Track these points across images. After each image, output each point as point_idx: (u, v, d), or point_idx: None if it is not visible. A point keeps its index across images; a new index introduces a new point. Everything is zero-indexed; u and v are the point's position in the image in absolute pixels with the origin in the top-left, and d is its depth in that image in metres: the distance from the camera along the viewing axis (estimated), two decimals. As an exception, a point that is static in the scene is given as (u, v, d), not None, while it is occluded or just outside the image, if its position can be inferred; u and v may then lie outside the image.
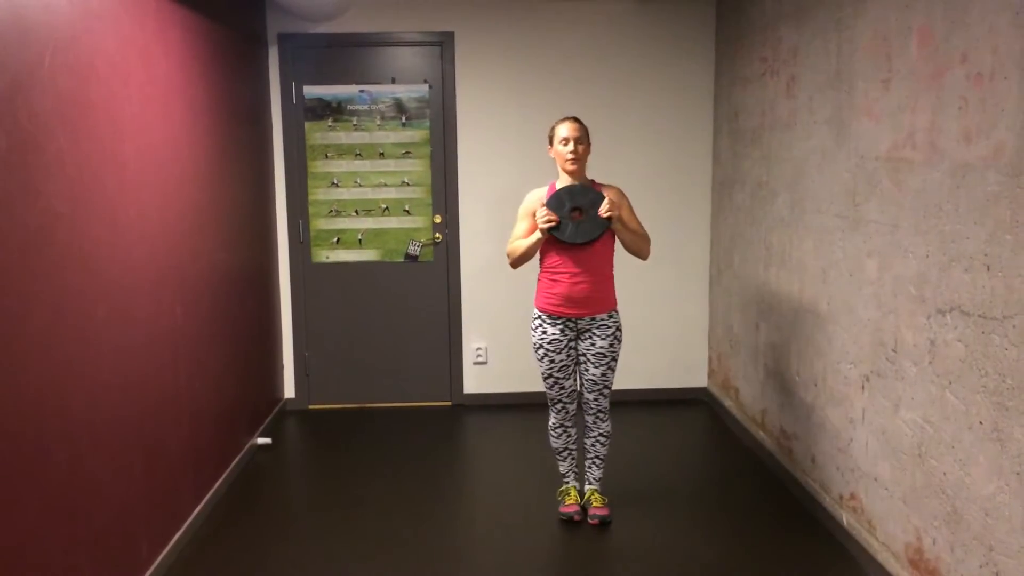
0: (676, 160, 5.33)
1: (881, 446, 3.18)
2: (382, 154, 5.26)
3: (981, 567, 2.56)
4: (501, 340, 5.41)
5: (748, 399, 4.71)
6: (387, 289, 5.38)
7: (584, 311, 3.61)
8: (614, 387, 5.40)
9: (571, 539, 3.58)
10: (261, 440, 4.70)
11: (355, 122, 5.24)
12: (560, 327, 3.63)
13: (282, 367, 5.36)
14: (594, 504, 3.73)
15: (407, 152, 5.27)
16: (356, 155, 5.27)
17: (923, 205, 2.86)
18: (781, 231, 4.16)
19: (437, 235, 5.35)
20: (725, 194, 5.07)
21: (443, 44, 5.17)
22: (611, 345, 3.65)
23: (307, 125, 5.23)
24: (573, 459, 3.85)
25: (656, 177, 5.33)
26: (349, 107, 5.23)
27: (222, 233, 4.15)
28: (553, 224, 3.48)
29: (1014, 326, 2.39)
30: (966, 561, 2.63)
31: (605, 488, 3.97)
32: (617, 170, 5.29)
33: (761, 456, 4.45)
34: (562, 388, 3.70)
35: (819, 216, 3.71)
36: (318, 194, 5.28)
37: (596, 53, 5.21)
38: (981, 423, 2.55)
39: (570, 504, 3.78)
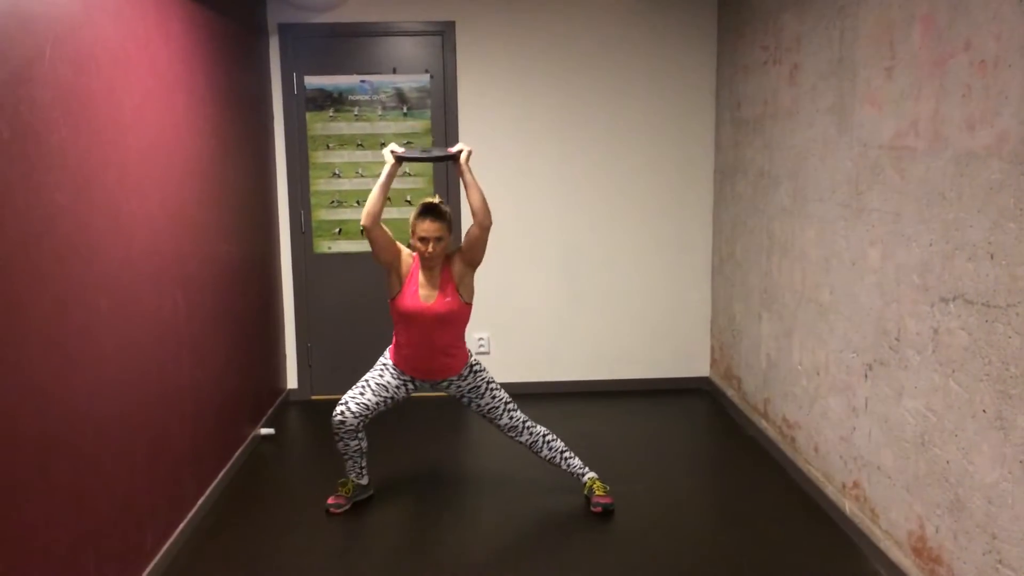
0: (678, 149, 5.32)
1: (884, 435, 3.18)
2: (384, 144, 5.25)
3: (984, 555, 2.56)
4: (503, 330, 5.41)
5: (750, 388, 4.71)
6: (389, 280, 5.37)
7: (432, 377, 3.63)
8: (616, 376, 5.48)
9: (575, 527, 3.59)
10: (264, 430, 4.71)
11: (356, 112, 5.23)
12: (404, 380, 3.64)
13: (284, 358, 5.37)
14: (596, 492, 3.73)
15: (408, 142, 5.26)
16: (358, 145, 5.26)
17: (926, 193, 2.85)
18: (783, 220, 4.15)
19: (439, 225, 5.33)
20: (727, 183, 5.06)
21: (444, 33, 5.16)
22: (475, 382, 3.65)
23: (308, 115, 5.22)
24: (355, 460, 3.76)
25: (658, 166, 5.32)
26: (350, 97, 5.21)
27: (224, 224, 4.15)
28: (399, 152, 3.42)
29: (1017, 314, 2.38)
30: (969, 549, 2.64)
31: (606, 476, 3.98)
32: (619, 159, 5.29)
33: (764, 445, 4.46)
34: (362, 399, 3.61)
35: (821, 205, 3.70)
36: (320, 185, 5.28)
37: (597, 42, 5.19)
38: (984, 411, 2.55)
39: (341, 495, 3.79)
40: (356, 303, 5.39)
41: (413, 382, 3.66)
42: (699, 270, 5.45)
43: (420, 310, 3.49)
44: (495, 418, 3.71)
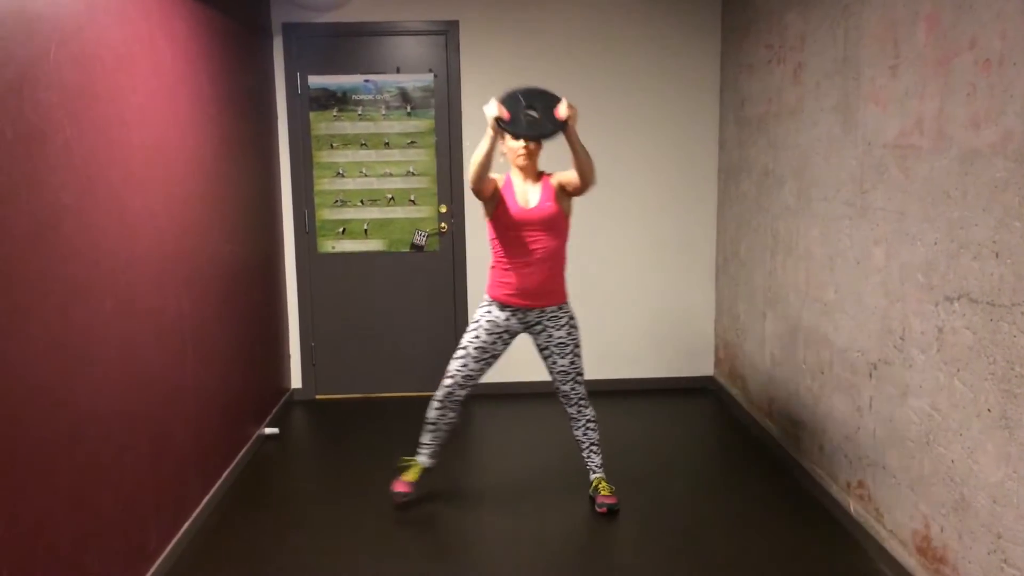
0: (682, 148, 5.31)
1: (889, 434, 3.18)
2: (387, 144, 5.26)
3: (989, 554, 2.56)
4: (507, 330, 5.41)
5: (755, 388, 4.71)
6: (393, 279, 5.38)
7: (535, 303, 3.62)
8: (620, 376, 5.48)
9: (579, 526, 3.59)
10: (268, 430, 4.71)
11: (360, 112, 5.23)
12: (508, 314, 3.64)
13: (288, 357, 5.38)
14: (602, 492, 3.73)
15: (412, 142, 5.26)
16: (361, 145, 5.26)
17: (931, 192, 2.84)
18: (788, 219, 4.14)
19: (443, 225, 5.34)
20: (731, 182, 5.05)
21: (448, 33, 5.16)
22: (569, 333, 3.67)
23: (312, 115, 5.22)
24: (438, 438, 3.80)
25: (662, 165, 5.32)
26: (354, 97, 5.22)
27: (228, 224, 4.15)
28: (505, 120, 3.38)
29: (1022, 313, 2.38)
30: (974, 548, 2.63)
31: (611, 476, 3.98)
32: (623, 158, 5.29)
33: (768, 445, 4.45)
34: (466, 369, 3.66)
35: (826, 204, 3.69)
36: (323, 184, 5.28)
37: (601, 41, 5.19)
38: (989, 410, 2.54)
39: (405, 479, 3.78)
40: (360, 303, 5.39)
41: (508, 331, 3.66)
42: (703, 269, 5.44)
43: (523, 215, 3.54)
44: (561, 382, 3.72)
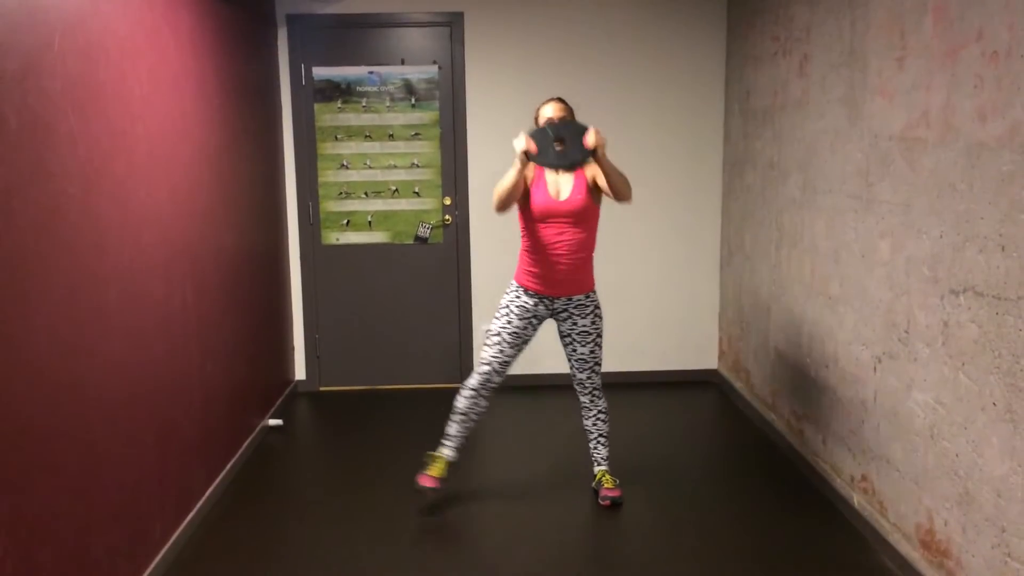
0: (687, 140, 5.30)
1: (893, 427, 3.17)
2: (391, 136, 5.25)
3: (993, 548, 2.55)
4: (511, 322, 5.41)
5: (759, 381, 4.70)
6: (397, 271, 5.38)
7: (561, 291, 3.62)
8: (624, 369, 5.47)
9: (584, 519, 3.59)
10: (272, 421, 4.72)
11: (364, 103, 5.22)
12: (536, 300, 3.64)
13: (292, 349, 5.38)
14: (605, 485, 3.73)
15: (417, 134, 5.25)
16: (366, 137, 5.26)
17: (937, 185, 2.83)
18: (793, 212, 4.13)
19: (447, 217, 5.34)
20: (736, 174, 5.04)
21: (452, 25, 5.15)
22: (593, 323, 3.67)
23: (316, 106, 5.22)
24: (466, 429, 3.78)
25: (667, 158, 5.31)
26: (358, 88, 5.21)
27: (232, 215, 4.15)
28: (533, 153, 3.41)
29: (1029, 307, 2.37)
30: (978, 542, 2.63)
31: (615, 469, 3.99)
32: (628, 150, 5.27)
33: (772, 438, 4.45)
34: (503, 355, 3.66)
35: (831, 196, 3.68)
36: (328, 176, 5.28)
37: (606, 33, 5.17)
38: (994, 404, 2.53)
39: (432, 475, 3.74)
40: (364, 294, 5.39)
41: (536, 316, 3.66)
42: (708, 262, 5.43)
43: (554, 207, 3.52)
44: (579, 369, 3.72)
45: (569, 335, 3.69)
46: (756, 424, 4.68)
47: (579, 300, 3.65)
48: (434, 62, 5.20)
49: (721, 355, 5.46)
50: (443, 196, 5.32)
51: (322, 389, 5.48)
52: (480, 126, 5.22)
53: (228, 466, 4.01)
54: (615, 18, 5.16)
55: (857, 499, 3.48)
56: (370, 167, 5.28)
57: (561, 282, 3.60)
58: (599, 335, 3.69)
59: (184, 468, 3.45)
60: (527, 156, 3.42)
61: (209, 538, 3.46)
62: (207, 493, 3.71)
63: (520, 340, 3.67)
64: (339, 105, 5.22)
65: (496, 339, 3.66)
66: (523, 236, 3.63)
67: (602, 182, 3.52)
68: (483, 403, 3.74)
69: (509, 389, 5.35)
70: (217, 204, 3.93)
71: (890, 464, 3.19)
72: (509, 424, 4.80)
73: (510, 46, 5.16)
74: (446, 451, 3.79)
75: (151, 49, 3.20)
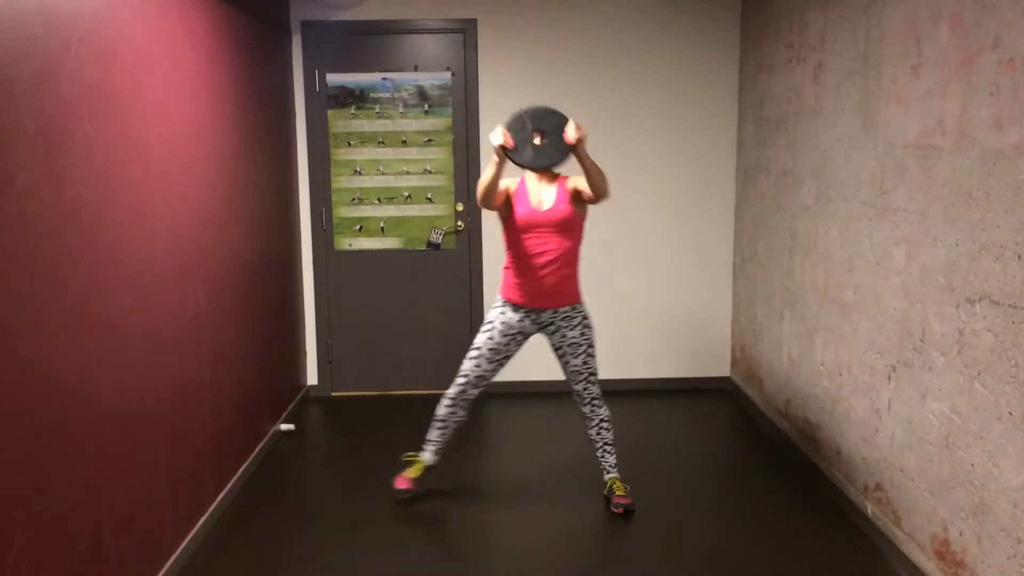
0: (700, 148, 5.29)
1: (907, 437, 3.15)
2: (404, 142, 5.26)
3: (1009, 559, 2.53)
4: (523, 328, 5.40)
5: (772, 389, 4.68)
6: (409, 277, 5.39)
7: (547, 303, 3.62)
8: (637, 376, 5.46)
9: (595, 527, 3.58)
10: (284, 426, 4.73)
11: (378, 110, 5.24)
12: (522, 315, 3.64)
13: (304, 354, 5.39)
14: (617, 493, 3.72)
15: (429, 140, 5.26)
16: (379, 143, 5.27)
17: (952, 193, 2.81)
18: (806, 219, 4.11)
19: (459, 223, 5.34)
20: (749, 182, 5.03)
21: (466, 31, 5.16)
22: (582, 334, 3.67)
23: (330, 113, 5.23)
24: (446, 435, 3.81)
25: (679, 165, 5.30)
26: (372, 95, 5.22)
27: (246, 221, 4.17)
28: (510, 148, 3.35)
29: (1045, 316, 2.35)
30: (993, 553, 2.60)
31: (627, 476, 3.97)
32: (640, 158, 5.27)
33: (785, 446, 4.42)
34: (479, 370, 3.68)
35: (845, 204, 3.66)
36: (341, 182, 5.29)
37: (619, 41, 5.17)
38: (1011, 414, 2.51)
39: (408, 476, 3.80)
40: (376, 300, 5.40)
41: (522, 333, 3.67)
42: (721, 269, 5.42)
43: (536, 217, 3.53)
44: (574, 381, 3.73)
45: (560, 347, 3.70)
46: (769, 432, 4.66)
47: (565, 312, 3.65)
48: (447, 69, 5.21)
49: (734, 363, 5.44)
50: (455, 202, 5.32)
51: (334, 394, 5.48)
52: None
53: (240, 471, 4.01)
54: (628, 27, 5.16)
55: (871, 509, 3.46)
56: (383, 173, 5.29)
57: (546, 294, 3.60)
58: (590, 345, 3.69)
59: (196, 473, 3.46)
60: (504, 152, 3.39)
61: (221, 543, 3.47)
62: (219, 498, 3.71)
63: (500, 356, 3.69)
64: (352, 111, 5.23)
65: (476, 353, 3.68)
66: (507, 249, 3.65)
67: (585, 189, 3.48)
68: (461, 413, 3.78)
69: (521, 395, 5.34)
70: (231, 209, 3.95)
71: (904, 473, 3.17)
72: (518, 430, 4.80)
73: (523, 53, 5.17)
74: (426, 455, 3.85)
75: (166, 55, 3.22)
